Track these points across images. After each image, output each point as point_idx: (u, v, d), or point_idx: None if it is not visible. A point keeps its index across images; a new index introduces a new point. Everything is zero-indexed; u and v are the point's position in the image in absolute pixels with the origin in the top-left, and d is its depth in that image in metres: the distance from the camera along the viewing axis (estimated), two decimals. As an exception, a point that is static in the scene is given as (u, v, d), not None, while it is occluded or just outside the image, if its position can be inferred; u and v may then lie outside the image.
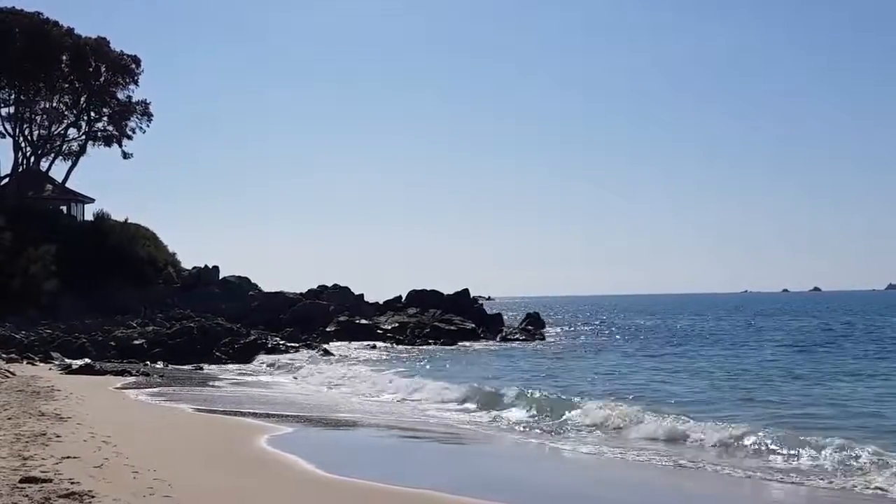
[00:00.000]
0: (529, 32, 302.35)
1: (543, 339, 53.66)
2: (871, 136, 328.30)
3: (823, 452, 13.52)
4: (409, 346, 45.73)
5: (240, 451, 14.40)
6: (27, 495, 9.15)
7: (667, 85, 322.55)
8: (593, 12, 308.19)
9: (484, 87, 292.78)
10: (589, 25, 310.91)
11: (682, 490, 12.32)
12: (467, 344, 47.50)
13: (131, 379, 28.11)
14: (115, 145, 62.29)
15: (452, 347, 45.37)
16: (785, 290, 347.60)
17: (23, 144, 60.59)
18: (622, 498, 11.83)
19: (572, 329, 65.46)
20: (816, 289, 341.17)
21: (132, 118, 61.77)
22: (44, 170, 61.56)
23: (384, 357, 39.25)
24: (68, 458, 11.54)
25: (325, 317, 50.67)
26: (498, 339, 51.74)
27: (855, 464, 12.92)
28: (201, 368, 33.74)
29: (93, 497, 9.28)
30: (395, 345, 45.93)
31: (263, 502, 10.42)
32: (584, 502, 11.62)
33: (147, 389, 24.86)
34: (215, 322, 42.73)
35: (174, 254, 59.49)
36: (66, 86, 60.68)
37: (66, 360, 33.10)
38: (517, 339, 51.55)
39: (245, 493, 10.75)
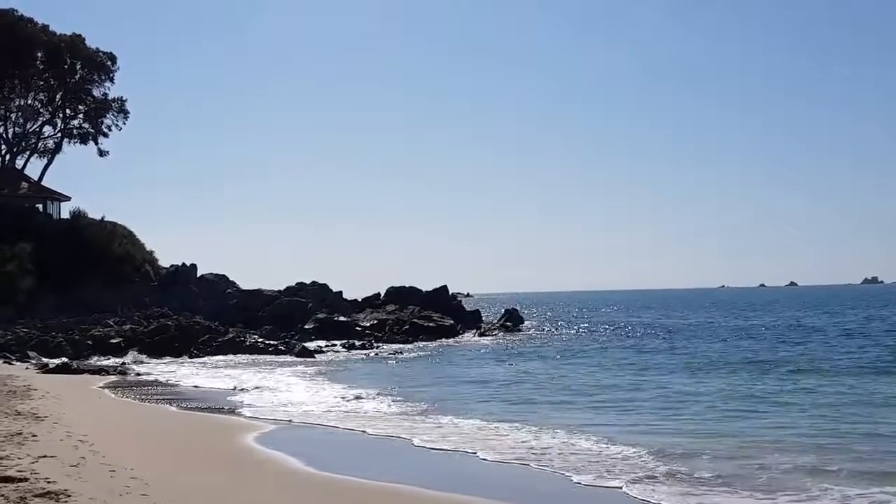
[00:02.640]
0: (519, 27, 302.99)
1: (520, 331, 54.61)
2: (848, 132, 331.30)
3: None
4: (390, 345, 45.59)
5: (217, 449, 14.49)
6: (3, 495, 9.19)
7: (654, 82, 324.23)
8: (592, 9, 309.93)
9: (464, 82, 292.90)
10: (588, 21, 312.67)
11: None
12: (447, 342, 47.65)
13: (108, 378, 28.08)
14: (91, 143, 61.94)
15: (435, 344, 45.63)
16: (762, 285, 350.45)
17: (-3, 142, 60.16)
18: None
19: (546, 326, 65.59)
20: (793, 283, 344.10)
21: (108, 115, 61.39)
22: (19, 168, 61.09)
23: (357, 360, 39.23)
24: (44, 457, 11.57)
25: (303, 314, 50.61)
26: (476, 335, 52.03)
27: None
28: (179, 366, 33.72)
29: (69, 496, 9.33)
30: (373, 342, 45.79)
31: (240, 499, 10.51)
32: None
33: (124, 388, 24.85)
34: (193, 320, 42.64)
35: (151, 252, 59.21)
36: (42, 83, 60.21)
37: (43, 359, 32.96)
38: (495, 335, 51.81)
39: (221, 491, 10.84)
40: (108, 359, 35.50)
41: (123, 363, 33.78)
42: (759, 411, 19.26)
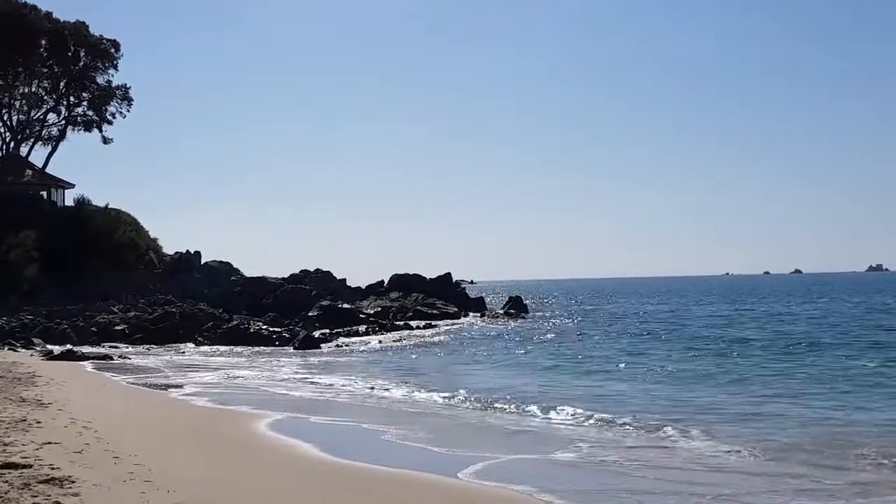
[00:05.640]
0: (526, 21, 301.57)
1: (524, 319, 54.79)
2: (853, 120, 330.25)
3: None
4: (394, 332, 45.53)
5: (225, 436, 14.51)
6: (7, 481, 9.21)
7: (656, 71, 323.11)
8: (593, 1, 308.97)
9: (465, 72, 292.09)
10: (591, 11, 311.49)
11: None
12: (451, 327, 47.72)
13: (113, 365, 28.14)
14: (95, 130, 61.92)
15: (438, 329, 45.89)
16: (766, 273, 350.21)
17: (2, 130, 60.24)
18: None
19: (550, 313, 65.44)
20: (797, 271, 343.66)
21: (112, 103, 61.37)
22: (23, 155, 61.13)
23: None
24: (49, 443, 11.59)
25: (307, 302, 50.64)
26: (480, 321, 52.14)
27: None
28: (183, 353, 33.81)
29: (73, 482, 9.36)
30: (377, 328, 45.69)
31: (244, 485, 10.52)
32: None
33: (128, 375, 24.90)
34: (197, 307, 42.68)
35: (156, 239, 59.37)
36: (46, 70, 60.16)
37: (48, 346, 33.00)
38: (500, 322, 51.84)
39: (225, 477, 10.85)
40: (113, 346, 35.60)
41: (128, 350, 33.89)
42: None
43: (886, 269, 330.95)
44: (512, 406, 18.36)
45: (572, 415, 16.90)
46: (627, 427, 15.48)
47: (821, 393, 19.82)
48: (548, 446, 13.90)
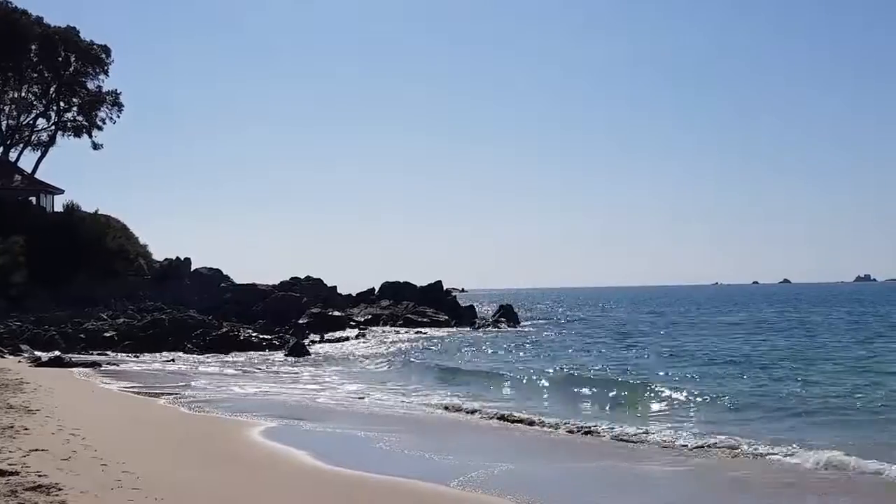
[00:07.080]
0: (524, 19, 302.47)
1: (515, 328, 54.64)
2: (845, 130, 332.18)
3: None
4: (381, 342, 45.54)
5: (213, 443, 14.40)
6: (-6, 488, 9.12)
7: (651, 75, 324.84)
8: (595, 4, 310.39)
9: (463, 75, 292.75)
10: (589, 17, 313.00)
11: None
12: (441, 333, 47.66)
13: (101, 371, 27.96)
14: (85, 136, 61.77)
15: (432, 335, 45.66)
16: (755, 282, 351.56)
17: (-9, 134, 60.00)
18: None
19: (543, 323, 65.51)
20: (786, 281, 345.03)
21: (102, 108, 61.23)
22: (12, 160, 60.87)
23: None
24: (36, 450, 11.47)
25: (298, 309, 50.56)
26: (471, 330, 52.09)
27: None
28: (172, 361, 33.60)
29: (60, 490, 9.26)
30: (367, 335, 45.66)
31: (234, 492, 10.45)
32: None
33: (117, 382, 24.73)
34: (187, 314, 42.49)
35: (145, 245, 59.18)
36: (36, 75, 60.02)
37: (36, 352, 32.75)
38: (491, 331, 51.80)
39: (214, 484, 10.77)
40: (102, 353, 35.34)
41: (116, 356, 33.65)
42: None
43: (874, 280, 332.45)
44: (510, 414, 18.27)
45: (567, 425, 16.86)
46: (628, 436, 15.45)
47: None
48: (551, 456, 13.82)
